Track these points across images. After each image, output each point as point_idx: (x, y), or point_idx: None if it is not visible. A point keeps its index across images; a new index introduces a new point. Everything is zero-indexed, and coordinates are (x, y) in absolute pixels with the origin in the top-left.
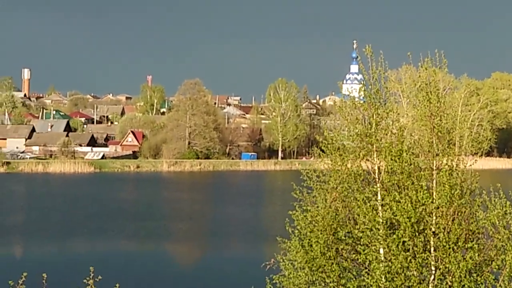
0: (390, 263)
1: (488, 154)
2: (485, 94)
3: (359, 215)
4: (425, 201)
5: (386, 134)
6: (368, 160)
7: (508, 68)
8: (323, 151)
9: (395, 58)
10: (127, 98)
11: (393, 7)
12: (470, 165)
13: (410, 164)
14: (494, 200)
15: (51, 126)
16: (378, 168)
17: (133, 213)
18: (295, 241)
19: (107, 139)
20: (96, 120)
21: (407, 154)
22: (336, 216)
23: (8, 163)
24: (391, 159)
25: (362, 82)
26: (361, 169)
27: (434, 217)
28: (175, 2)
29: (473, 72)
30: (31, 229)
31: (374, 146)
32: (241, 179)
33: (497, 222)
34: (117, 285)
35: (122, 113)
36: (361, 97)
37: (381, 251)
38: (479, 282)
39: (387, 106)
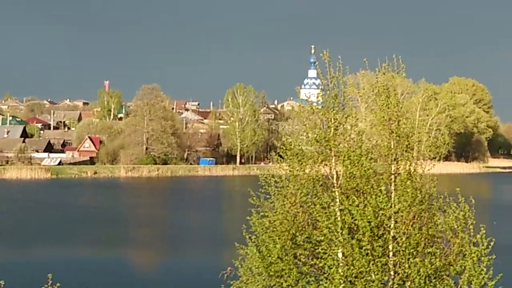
0: (349, 268)
1: (446, 158)
2: (443, 98)
3: (317, 220)
4: (384, 206)
5: (345, 139)
6: (326, 165)
7: (466, 73)
8: (281, 156)
9: (353, 63)
10: (84, 103)
11: (351, 12)
12: (429, 170)
13: (369, 169)
14: (453, 205)
15: (7, 132)
16: (337, 173)
17: (91, 219)
18: (253, 247)
19: (64, 145)
20: (53, 126)
21: (366, 158)
22: (295, 221)
23: None
24: (350, 164)
25: (320, 87)
26: (320, 174)
27: (393, 222)
28: (132, 7)
29: (431, 77)
30: None
31: (332, 151)
32: (200, 184)
33: (456, 227)
34: None
35: (79, 119)
36: (320, 102)
37: (340, 255)
38: (438, 287)
39: (345, 111)
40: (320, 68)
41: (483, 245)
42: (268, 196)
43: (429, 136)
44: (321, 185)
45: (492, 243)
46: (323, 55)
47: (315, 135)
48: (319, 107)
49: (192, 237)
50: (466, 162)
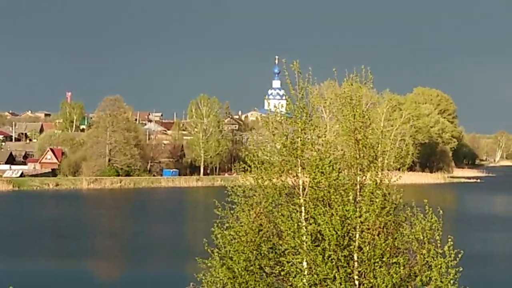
0: (313, 276)
1: (411, 168)
2: (407, 109)
3: (283, 230)
4: (351, 215)
5: (312, 149)
6: (292, 175)
7: (430, 83)
8: (248, 165)
9: (317, 73)
10: (46, 115)
11: (313, 23)
12: (395, 181)
13: (336, 179)
14: (420, 216)
15: None
16: (303, 182)
17: (53, 231)
18: (217, 258)
19: (25, 156)
20: (15, 138)
21: (333, 168)
22: (260, 231)
23: None
24: (318, 173)
25: (287, 98)
26: (286, 183)
27: (359, 231)
28: (94, 18)
29: (396, 87)
30: None
31: (299, 160)
32: (163, 196)
33: (422, 238)
34: None
35: (41, 130)
36: (287, 112)
37: (304, 264)
38: None
39: (313, 121)
40: (285, 79)
41: (450, 256)
42: (233, 207)
43: (394, 147)
44: (287, 194)
45: (460, 255)
46: (292, 65)
47: (283, 145)
48: (287, 117)
49: (155, 249)
50: (431, 172)
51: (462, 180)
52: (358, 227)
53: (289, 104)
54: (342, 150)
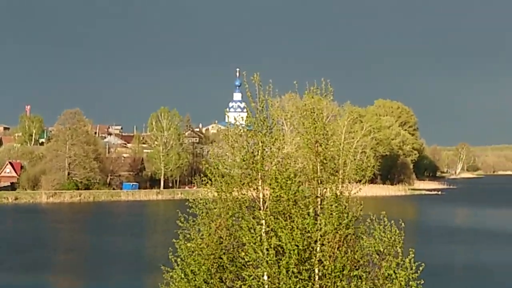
0: None
1: (372, 181)
2: (368, 121)
3: (244, 244)
4: (311, 229)
5: (271, 162)
6: (253, 188)
7: (391, 95)
8: (209, 178)
9: (278, 85)
10: (4, 128)
11: (274, 35)
12: (355, 193)
13: (296, 192)
14: (380, 228)
15: None
16: (263, 195)
17: (12, 245)
18: (178, 270)
19: None
20: None
21: (293, 181)
22: (221, 243)
23: None
24: (277, 186)
25: (247, 110)
26: (246, 196)
27: (319, 245)
28: (54, 31)
29: (356, 99)
30: None
31: (259, 173)
32: (123, 209)
33: (383, 250)
34: None
35: (0, 144)
36: (247, 125)
37: (266, 278)
38: None
39: (273, 134)
40: (245, 91)
41: (411, 269)
42: (194, 219)
43: (354, 159)
44: (248, 207)
45: (421, 268)
46: (253, 78)
47: (243, 158)
48: (247, 129)
49: (115, 263)
50: (392, 184)
51: (423, 192)
52: (318, 240)
53: (249, 116)
54: (302, 163)
